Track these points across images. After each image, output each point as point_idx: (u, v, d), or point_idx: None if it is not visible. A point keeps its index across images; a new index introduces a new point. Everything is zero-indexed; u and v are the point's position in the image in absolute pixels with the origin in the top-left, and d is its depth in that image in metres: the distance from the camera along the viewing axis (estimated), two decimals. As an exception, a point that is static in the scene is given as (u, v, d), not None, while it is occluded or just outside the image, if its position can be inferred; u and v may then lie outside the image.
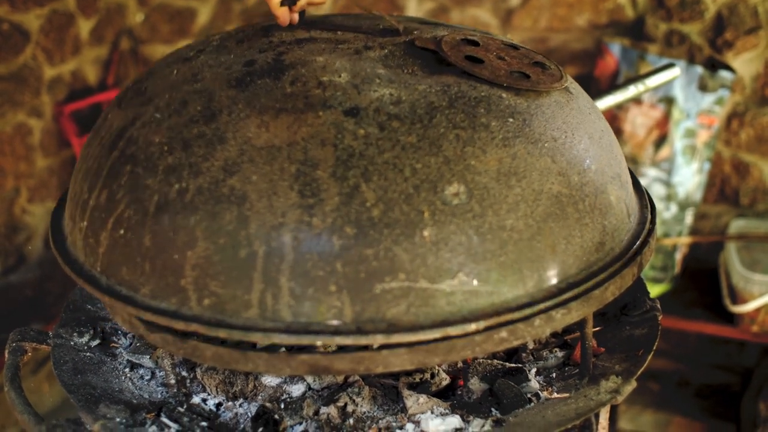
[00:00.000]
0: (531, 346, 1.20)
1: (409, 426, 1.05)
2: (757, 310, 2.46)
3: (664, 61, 2.31)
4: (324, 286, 0.89)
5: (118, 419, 1.00)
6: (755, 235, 2.66)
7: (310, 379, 1.13)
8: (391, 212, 0.90)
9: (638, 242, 1.06)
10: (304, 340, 0.89)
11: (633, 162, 2.68)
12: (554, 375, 1.15)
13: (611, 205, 1.04)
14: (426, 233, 0.90)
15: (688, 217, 2.72)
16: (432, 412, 1.06)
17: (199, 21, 2.99)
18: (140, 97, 1.09)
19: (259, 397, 1.11)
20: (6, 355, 1.19)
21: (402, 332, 0.89)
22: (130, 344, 1.24)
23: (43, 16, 2.51)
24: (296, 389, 1.12)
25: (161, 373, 1.18)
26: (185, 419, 1.05)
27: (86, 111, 2.67)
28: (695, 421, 2.59)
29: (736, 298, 2.49)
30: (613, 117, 2.67)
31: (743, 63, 2.65)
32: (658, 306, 1.22)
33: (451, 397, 1.12)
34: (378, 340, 0.88)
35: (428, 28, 1.16)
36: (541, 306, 0.93)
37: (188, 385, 1.15)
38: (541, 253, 0.95)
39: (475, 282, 0.91)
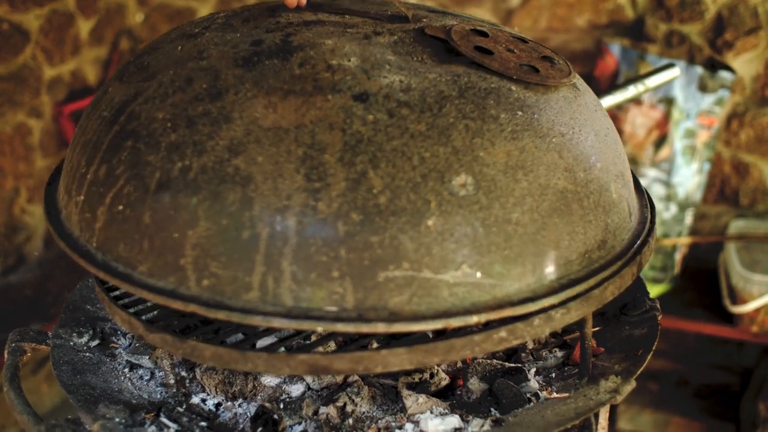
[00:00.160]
0: (530, 346, 1.20)
1: (409, 426, 1.04)
2: (757, 311, 2.46)
3: (664, 62, 2.31)
4: (327, 271, 0.88)
5: (117, 419, 1.00)
6: (755, 235, 2.66)
7: (309, 379, 1.13)
8: (398, 200, 0.89)
9: (638, 241, 1.06)
10: (305, 325, 0.87)
11: (633, 162, 2.68)
12: (554, 375, 1.15)
13: (614, 203, 1.04)
14: (432, 223, 0.89)
15: (688, 218, 2.72)
16: (431, 412, 1.06)
17: (198, 21, 2.98)
18: (143, 72, 1.07)
19: (259, 397, 1.11)
20: (5, 356, 1.18)
21: (404, 321, 0.88)
22: (130, 344, 1.24)
23: (42, 16, 2.51)
24: (295, 389, 1.12)
25: (160, 374, 1.18)
26: (184, 419, 1.04)
27: (86, 111, 2.67)
28: (694, 421, 2.59)
29: (736, 299, 2.49)
30: (613, 117, 2.67)
31: (743, 63, 2.65)
32: (658, 306, 1.22)
33: (450, 397, 1.12)
34: (379, 328, 0.87)
35: (437, 17, 1.15)
36: (543, 301, 0.93)
37: (187, 385, 1.15)
38: (545, 248, 0.94)
39: (478, 274, 0.91)
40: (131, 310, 1.01)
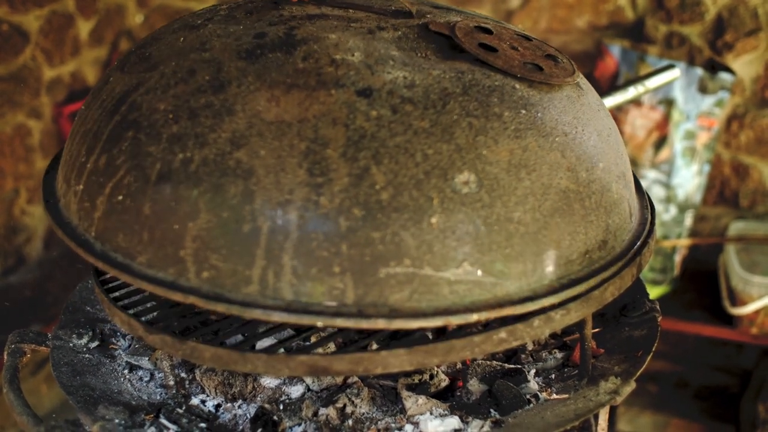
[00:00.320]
0: (530, 347, 1.20)
1: (408, 427, 1.04)
2: (756, 312, 2.46)
3: (664, 63, 2.31)
4: (328, 266, 0.88)
5: (116, 420, 1.00)
6: (755, 237, 2.66)
7: (309, 380, 1.13)
8: (401, 197, 0.89)
9: (639, 242, 1.06)
10: (304, 319, 0.87)
11: (633, 164, 2.68)
12: (553, 376, 1.14)
13: (615, 204, 1.04)
14: (434, 220, 0.89)
15: (688, 219, 2.72)
16: (431, 413, 1.06)
17: (198, 22, 2.98)
18: (145, 63, 1.06)
19: (258, 399, 1.11)
20: (5, 357, 1.18)
21: (404, 318, 0.87)
22: (129, 346, 1.24)
23: (42, 17, 2.51)
24: (295, 390, 1.12)
25: (160, 375, 1.18)
26: (184, 420, 1.04)
27: (86, 112, 2.67)
28: (694, 423, 2.59)
29: (736, 300, 2.49)
30: (613, 118, 2.67)
31: (743, 65, 2.65)
32: (658, 307, 1.22)
33: (450, 398, 1.12)
34: (379, 324, 0.87)
35: (441, 13, 1.15)
36: (543, 300, 0.92)
37: (187, 386, 1.15)
38: (546, 247, 0.94)
39: (479, 272, 0.90)
40: (131, 312, 1.01)
